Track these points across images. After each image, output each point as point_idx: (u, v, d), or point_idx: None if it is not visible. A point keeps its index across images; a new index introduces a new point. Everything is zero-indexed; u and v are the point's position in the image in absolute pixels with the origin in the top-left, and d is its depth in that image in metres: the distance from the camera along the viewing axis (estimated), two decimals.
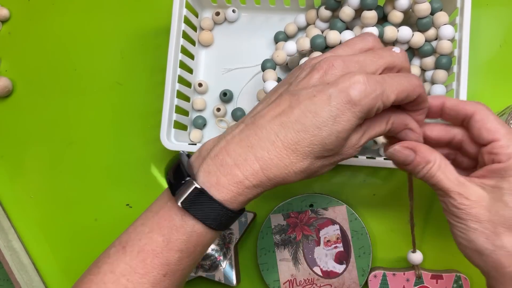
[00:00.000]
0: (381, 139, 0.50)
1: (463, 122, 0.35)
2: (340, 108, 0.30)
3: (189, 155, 0.36)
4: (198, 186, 0.31)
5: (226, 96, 0.55)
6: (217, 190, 0.32)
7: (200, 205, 0.32)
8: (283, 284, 0.52)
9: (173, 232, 0.33)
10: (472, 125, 0.34)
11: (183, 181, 0.32)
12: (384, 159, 0.49)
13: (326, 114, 0.30)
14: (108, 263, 0.34)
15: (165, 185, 0.57)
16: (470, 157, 0.36)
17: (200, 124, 0.55)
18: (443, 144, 0.37)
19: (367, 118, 0.32)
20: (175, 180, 0.33)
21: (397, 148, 0.34)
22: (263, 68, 0.50)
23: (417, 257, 0.49)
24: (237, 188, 0.32)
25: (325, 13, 0.51)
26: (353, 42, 0.34)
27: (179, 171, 0.33)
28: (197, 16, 0.57)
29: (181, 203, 0.32)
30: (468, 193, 0.32)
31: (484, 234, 0.31)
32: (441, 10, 0.49)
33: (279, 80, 0.52)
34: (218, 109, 0.55)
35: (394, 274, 0.50)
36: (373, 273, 0.51)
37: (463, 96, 0.46)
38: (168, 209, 0.33)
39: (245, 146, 0.32)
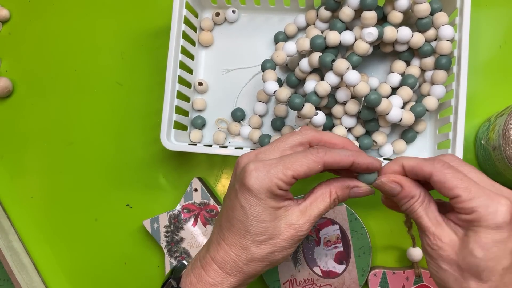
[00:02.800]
0: (381, 139, 0.50)
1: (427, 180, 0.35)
2: (244, 197, 0.35)
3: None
4: (175, 285, 0.38)
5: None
6: None
7: None
8: (283, 284, 0.52)
9: None
10: (433, 185, 0.34)
11: (167, 282, 0.39)
12: (384, 159, 0.49)
13: (238, 205, 0.35)
14: None
15: (165, 185, 0.57)
16: None
17: (199, 124, 0.55)
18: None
19: (308, 197, 0.37)
20: (164, 282, 0.39)
21: (383, 180, 0.36)
22: (263, 68, 0.50)
23: (417, 252, 0.49)
24: (203, 286, 0.37)
25: (325, 13, 0.51)
26: (282, 140, 0.38)
27: (169, 274, 0.40)
28: (197, 16, 0.57)
29: None
30: (442, 235, 0.33)
31: (453, 276, 0.33)
32: (440, 11, 0.49)
33: (279, 80, 0.52)
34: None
35: (394, 273, 0.50)
36: (373, 271, 0.51)
37: (462, 96, 0.46)
38: None
39: (207, 251, 0.38)
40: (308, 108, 0.46)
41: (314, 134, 0.37)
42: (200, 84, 0.55)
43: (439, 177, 0.33)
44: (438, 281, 0.34)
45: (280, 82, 0.53)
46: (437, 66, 0.49)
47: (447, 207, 0.36)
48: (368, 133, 0.51)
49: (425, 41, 0.49)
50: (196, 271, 0.37)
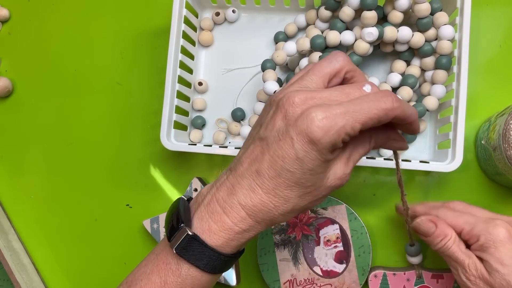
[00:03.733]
0: None
1: None
2: (304, 149, 0.30)
3: (190, 199, 0.38)
4: (190, 233, 0.33)
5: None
6: (209, 236, 0.33)
7: (193, 251, 0.33)
8: (283, 284, 0.52)
9: (169, 275, 0.34)
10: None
11: (178, 227, 0.34)
12: (385, 159, 0.49)
13: (293, 157, 0.31)
14: None
15: (165, 185, 0.57)
16: None
17: (199, 124, 0.55)
18: None
19: (349, 143, 0.33)
20: (172, 227, 0.34)
21: (423, 219, 0.43)
22: (263, 68, 0.50)
23: (416, 258, 0.49)
24: (228, 234, 0.33)
25: (325, 13, 0.51)
26: (320, 68, 0.34)
27: (176, 217, 0.35)
28: (197, 16, 0.57)
29: (175, 248, 0.34)
30: (476, 265, 0.39)
31: None
32: (441, 10, 0.49)
33: (279, 80, 0.52)
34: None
35: (394, 274, 0.50)
36: (373, 273, 0.51)
37: (463, 96, 0.46)
38: (166, 253, 0.35)
39: (231, 194, 0.33)
40: None
41: (348, 63, 0.34)
42: (200, 84, 0.55)
43: (441, 226, 0.42)
44: None
45: (280, 82, 0.53)
46: (437, 66, 0.49)
47: None
48: None
49: (425, 41, 0.49)
50: (217, 217, 0.33)
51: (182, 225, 0.33)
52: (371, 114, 0.30)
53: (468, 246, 0.41)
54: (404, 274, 0.50)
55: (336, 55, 0.34)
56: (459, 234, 0.41)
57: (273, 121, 0.32)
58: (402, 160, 0.49)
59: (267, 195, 0.32)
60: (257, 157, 0.33)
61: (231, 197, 0.33)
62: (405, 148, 0.36)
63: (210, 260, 0.34)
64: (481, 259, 0.39)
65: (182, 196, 0.37)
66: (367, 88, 0.32)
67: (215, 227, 0.33)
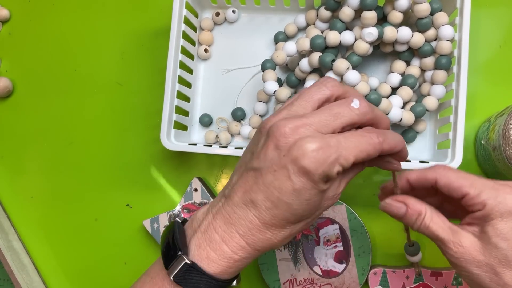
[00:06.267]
0: None
1: (435, 187, 0.36)
2: (300, 180, 0.31)
3: (184, 220, 0.37)
4: (189, 262, 0.33)
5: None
6: (208, 264, 0.33)
7: (191, 279, 0.33)
8: (283, 284, 0.52)
9: None
10: (441, 189, 0.35)
11: (176, 255, 0.33)
12: None
13: (289, 188, 0.31)
14: None
15: (165, 185, 0.57)
16: (455, 203, 0.37)
17: (207, 122, 0.55)
18: (430, 192, 0.38)
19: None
20: (168, 253, 0.34)
21: (388, 201, 0.36)
22: (263, 68, 0.50)
23: (415, 257, 0.50)
24: (227, 263, 0.33)
25: (325, 13, 0.51)
26: (309, 94, 0.34)
27: (172, 242, 0.34)
28: (197, 16, 0.57)
29: (173, 277, 0.33)
30: (462, 240, 0.34)
31: (487, 277, 0.33)
32: (440, 11, 0.49)
33: (279, 80, 0.53)
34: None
35: (394, 271, 0.51)
36: (373, 270, 0.51)
37: (462, 96, 0.46)
38: (162, 277, 0.35)
39: (229, 223, 0.33)
40: None
41: (337, 88, 0.34)
42: (206, 51, 0.56)
43: (444, 180, 0.35)
44: (475, 286, 0.34)
45: (280, 82, 0.53)
46: (437, 66, 0.49)
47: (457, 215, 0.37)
48: None
49: (425, 41, 0.49)
50: (215, 245, 0.33)
51: (179, 253, 0.33)
52: (361, 147, 0.31)
53: (467, 212, 0.35)
54: (404, 271, 0.50)
55: (325, 81, 0.34)
56: (462, 197, 0.34)
57: (265, 151, 0.32)
58: None
59: (265, 226, 0.33)
60: (252, 187, 0.32)
61: (229, 227, 0.33)
62: (399, 169, 0.36)
63: (208, 287, 0.33)
64: (478, 230, 0.34)
65: (177, 219, 0.37)
66: (356, 104, 0.32)
67: (214, 255, 0.33)
